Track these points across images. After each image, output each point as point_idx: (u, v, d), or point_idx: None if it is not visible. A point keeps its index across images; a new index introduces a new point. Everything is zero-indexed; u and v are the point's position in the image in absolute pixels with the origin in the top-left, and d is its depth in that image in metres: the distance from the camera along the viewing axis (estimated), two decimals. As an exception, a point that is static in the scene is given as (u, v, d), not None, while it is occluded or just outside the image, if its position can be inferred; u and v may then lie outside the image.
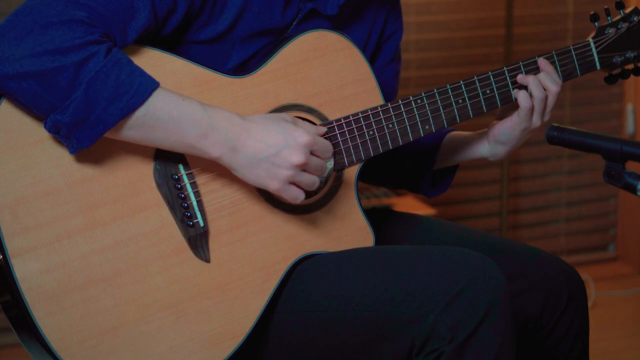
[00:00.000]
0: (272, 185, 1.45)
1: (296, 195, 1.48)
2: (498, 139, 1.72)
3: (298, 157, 1.44)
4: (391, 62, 1.82)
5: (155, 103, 1.38)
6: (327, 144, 1.51)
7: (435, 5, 3.42)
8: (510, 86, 1.70)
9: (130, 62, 1.38)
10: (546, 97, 1.68)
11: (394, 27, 1.80)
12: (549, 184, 3.70)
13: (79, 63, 1.33)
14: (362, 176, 1.73)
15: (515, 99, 1.69)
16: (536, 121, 1.69)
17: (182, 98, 1.41)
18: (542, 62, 1.70)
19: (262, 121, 1.46)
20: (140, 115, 1.38)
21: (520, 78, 1.69)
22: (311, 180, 1.48)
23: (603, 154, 1.29)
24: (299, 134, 1.45)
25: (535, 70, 1.71)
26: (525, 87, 1.69)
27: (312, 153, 1.48)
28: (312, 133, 1.48)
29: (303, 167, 1.46)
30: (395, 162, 1.86)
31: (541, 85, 1.68)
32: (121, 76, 1.36)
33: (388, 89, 1.80)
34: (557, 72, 1.71)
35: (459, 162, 1.83)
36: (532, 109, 1.68)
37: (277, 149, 1.44)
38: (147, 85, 1.37)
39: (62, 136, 1.37)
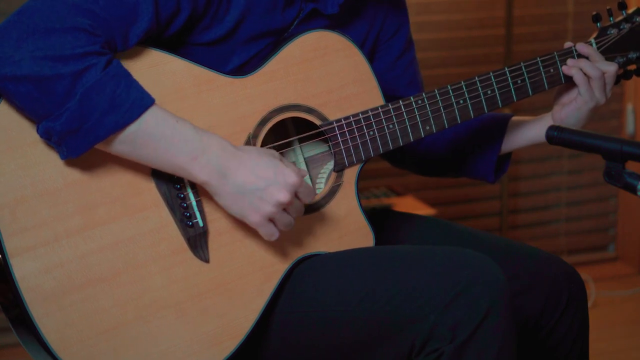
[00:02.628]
0: (252, 218, 1.44)
1: (272, 233, 1.47)
2: (566, 123, 1.73)
3: (285, 196, 1.43)
4: (402, 56, 1.83)
5: (149, 120, 1.38)
6: (311, 189, 1.50)
7: (435, 5, 3.42)
8: (512, 86, 1.70)
9: (128, 75, 1.37)
10: (603, 75, 1.70)
11: (396, 23, 1.80)
12: (549, 184, 3.70)
13: (76, 73, 1.33)
14: (414, 169, 1.81)
15: (570, 77, 1.71)
16: (600, 97, 1.72)
17: (176, 119, 1.40)
18: (582, 47, 1.73)
19: (254, 152, 1.45)
20: (132, 131, 1.37)
21: (572, 62, 1.71)
22: (288, 220, 1.47)
23: (603, 154, 1.29)
24: (288, 173, 1.44)
25: (536, 70, 1.71)
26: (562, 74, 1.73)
27: (296, 195, 1.47)
28: (300, 175, 1.46)
29: (285, 207, 1.46)
30: (458, 152, 1.87)
31: (594, 66, 1.70)
32: (117, 90, 1.35)
33: (405, 81, 1.83)
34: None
35: (522, 147, 1.84)
36: (590, 85, 1.70)
37: (267, 184, 1.42)
38: (141, 101, 1.37)
39: (53, 142, 1.37)
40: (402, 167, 1.97)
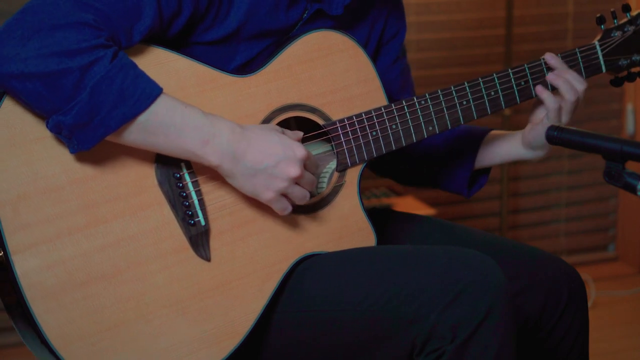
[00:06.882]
0: (266, 195, 1.47)
1: (285, 207, 1.49)
2: (534, 145, 1.73)
3: (295, 170, 1.45)
4: (397, 60, 1.83)
5: (158, 109, 1.39)
6: (316, 160, 1.52)
7: (435, 5, 3.42)
8: (515, 88, 1.70)
9: (135, 66, 1.38)
10: (577, 99, 1.68)
11: (396, 26, 1.81)
12: (549, 184, 3.71)
13: (85, 66, 1.33)
14: (396, 178, 1.79)
15: (541, 100, 1.70)
16: (565, 120, 1.70)
17: (184, 105, 1.41)
18: (551, 59, 1.70)
19: (260, 131, 1.47)
20: (143, 121, 1.38)
21: (551, 78, 1.69)
22: (302, 193, 1.50)
23: (603, 154, 1.29)
24: (296, 147, 1.47)
25: (540, 72, 1.71)
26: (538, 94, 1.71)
27: (304, 167, 1.48)
28: (305, 148, 1.48)
29: (297, 180, 1.47)
30: (432, 165, 1.86)
31: (572, 88, 1.68)
32: (126, 81, 1.36)
33: (397, 86, 1.82)
34: (581, 70, 1.73)
35: (497, 164, 1.82)
36: (560, 109, 1.68)
37: (276, 160, 1.45)
38: (150, 91, 1.38)
39: (63, 136, 1.37)
40: (386, 177, 1.95)
